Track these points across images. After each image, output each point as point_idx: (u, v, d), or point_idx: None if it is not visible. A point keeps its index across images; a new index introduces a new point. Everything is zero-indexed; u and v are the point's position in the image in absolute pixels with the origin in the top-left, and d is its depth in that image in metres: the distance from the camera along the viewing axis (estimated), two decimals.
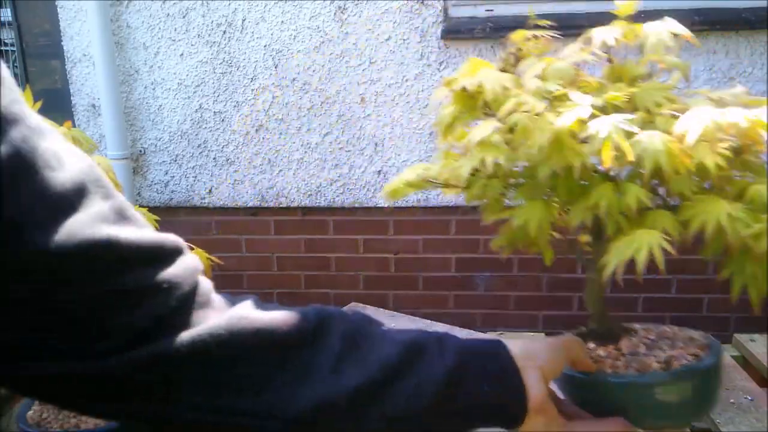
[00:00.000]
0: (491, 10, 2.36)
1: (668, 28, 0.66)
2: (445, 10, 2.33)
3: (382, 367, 0.49)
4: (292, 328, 0.49)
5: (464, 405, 0.52)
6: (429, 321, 1.22)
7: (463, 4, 2.36)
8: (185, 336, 0.44)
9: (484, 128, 0.62)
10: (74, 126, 2.53)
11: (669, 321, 2.43)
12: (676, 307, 2.42)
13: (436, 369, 0.51)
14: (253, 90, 2.43)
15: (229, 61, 2.42)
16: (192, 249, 0.97)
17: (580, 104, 0.58)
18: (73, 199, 0.39)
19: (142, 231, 0.44)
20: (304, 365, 0.48)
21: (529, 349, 0.57)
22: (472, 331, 1.18)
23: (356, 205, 2.49)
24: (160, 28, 2.42)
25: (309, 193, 2.49)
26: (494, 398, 0.53)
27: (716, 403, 0.64)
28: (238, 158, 2.49)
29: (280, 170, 2.49)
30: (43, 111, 2.53)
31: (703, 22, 2.20)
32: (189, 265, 0.48)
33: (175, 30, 2.41)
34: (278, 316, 0.50)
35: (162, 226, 2.06)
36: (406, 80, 2.35)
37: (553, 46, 0.76)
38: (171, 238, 0.48)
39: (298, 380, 0.48)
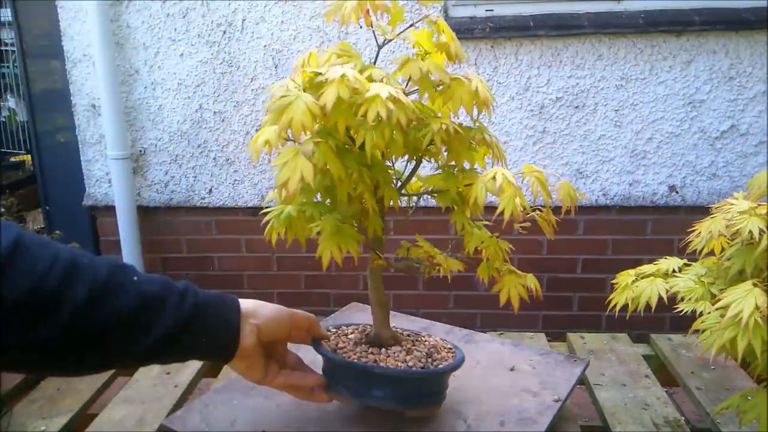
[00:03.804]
0: (491, 10, 2.36)
1: None
2: (445, 10, 2.33)
3: (120, 316, 0.62)
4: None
5: (186, 346, 0.69)
6: (429, 321, 1.23)
7: (463, 4, 2.36)
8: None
9: None
10: (75, 126, 2.53)
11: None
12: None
13: (168, 321, 0.65)
14: (253, 90, 2.43)
15: (229, 61, 2.42)
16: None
17: None
18: None
19: None
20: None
21: (256, 309, 0.76)
22: (471, 330, 1.18)
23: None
24: (160, 28, 2.42)
25: None
26: (210, 344, 0.71)
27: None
28: (238, 158, 2.49)
29: None
30: (43, 111, 2.53)
31: (703, 22, 2.20)
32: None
33: (175, 30, 2.41)
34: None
35: (162, 226, 2.05)
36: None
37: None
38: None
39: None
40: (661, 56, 2.26)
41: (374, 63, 0.79)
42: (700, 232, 0.84)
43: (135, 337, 0.63)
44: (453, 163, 0.81)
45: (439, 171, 0.83)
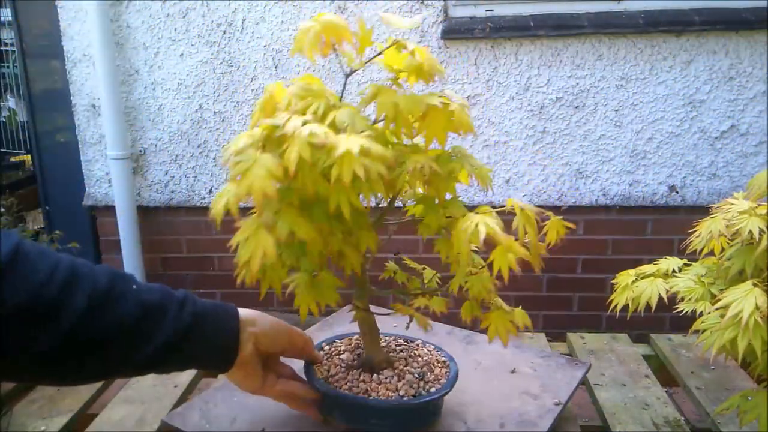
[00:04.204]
0: (491, 10, 2.36)
1: None
2: (445, 10, 2.33)
3: (120, 324, 0.62)
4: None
5: (186, 354, 0.69)
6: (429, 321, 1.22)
7: (463, 4, 2.36)
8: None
9: None
10: (75, 126, 2.53)
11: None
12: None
13: (168, 330, 0.66)
14: (253, 90, 2.43)
15: (229, 61, 2.42)
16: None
17: None
18: None
19: None
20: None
21: (255, 318, 0.77)
22: (472, 331, 1.18)
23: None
24: (160, 28, 2.42)
25: None
26: (210, 351, 0.72)
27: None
28: None
29: None
30: (43, 111, 2.53)
31: (703, 22, 2.20)
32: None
33: (175, 30, 2.41)
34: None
35: (162, 226, 2.04)
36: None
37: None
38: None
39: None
40: (661, 56, 2.26)
41: (341, 94, 0.73)
42: (700, 232, 0.85)
43: (135, 345, 0.64)
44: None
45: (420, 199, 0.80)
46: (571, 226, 0.78)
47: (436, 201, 0.76)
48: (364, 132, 0.65)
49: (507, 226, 0.71)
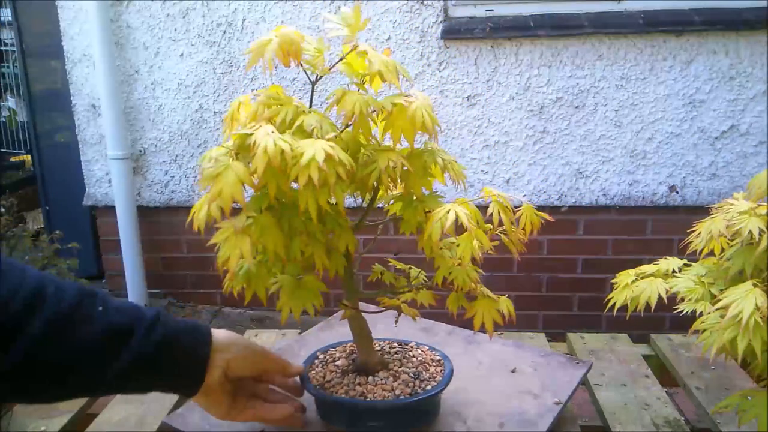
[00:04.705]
0: (491, 10, 2.36)
1: None
2: (445, 10, 2.33)
3: (82, 348, 0.60)
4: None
5: (150, 378, 0.67)
6: (431, 321, 1.23)
7: (463, 4, 2.36)
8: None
9: None
10: (75, 126, 2.53)
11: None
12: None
13: (132, 355, 0.63)
14: (253, 90, 2.43)
15: (229, 61, 2.42)
16: None
17: None
18: None
19: None
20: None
21: (229, 344, 0.74)
22: (472, 331, 1.18)
23: (356, 205, 2.48)
24: (160, 28, 2.42)
25: None
26: (177, 379, 0.70)
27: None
28: None
29: None
30: (43, 111, 2.54)
31: (703, 22, 2.20)
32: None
33: (175, 30, 2.41)
34: None
35: (162, 226, 2.03)
36: (406, 80, 2.35)
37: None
38: None
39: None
40: (661, 56, 2.26)
41: (310, 101, 0.75)
42: (699, 233, 0.85)
43: (98, 369, 0.62)
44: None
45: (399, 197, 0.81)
46: (547, 217, 0.81)
47: (414, 198, 0.78)
48: (330, 135, 0.67)
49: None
